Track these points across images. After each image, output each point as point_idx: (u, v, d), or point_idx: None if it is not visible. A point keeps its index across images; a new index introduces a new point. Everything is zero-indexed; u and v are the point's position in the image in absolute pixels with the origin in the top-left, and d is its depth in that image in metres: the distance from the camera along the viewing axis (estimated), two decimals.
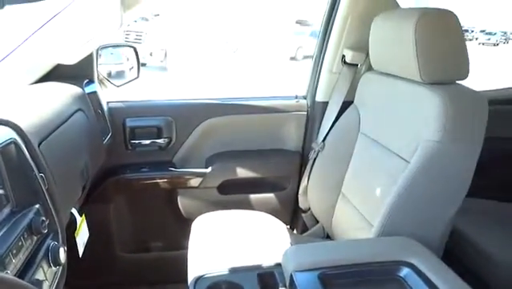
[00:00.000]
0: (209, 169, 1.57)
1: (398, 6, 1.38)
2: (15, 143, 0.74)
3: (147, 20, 10.54)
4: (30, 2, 0.66)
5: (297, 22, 10.91)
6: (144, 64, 8.68)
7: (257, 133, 1.63)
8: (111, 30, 1.21)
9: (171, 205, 1.59)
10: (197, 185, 1.57)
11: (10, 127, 0.76)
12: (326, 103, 1.56)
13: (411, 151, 1.05)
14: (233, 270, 0.93)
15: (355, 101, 1.40)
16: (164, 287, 1.62)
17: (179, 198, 1.58)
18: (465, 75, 1.07)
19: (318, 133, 1.56)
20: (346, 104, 1.45)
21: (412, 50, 1.03)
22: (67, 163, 1.01)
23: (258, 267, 0.94)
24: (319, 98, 1.59)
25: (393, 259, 0.90)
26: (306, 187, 1.55)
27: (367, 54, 1.34)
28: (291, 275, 0.83)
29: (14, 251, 0.63)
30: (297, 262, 0.87)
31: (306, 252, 0.93)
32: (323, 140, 1.50)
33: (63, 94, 1.19)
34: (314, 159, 1.53)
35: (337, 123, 1.47)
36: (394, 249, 0.93)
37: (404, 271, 0.87)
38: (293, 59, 9.33)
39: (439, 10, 1.07)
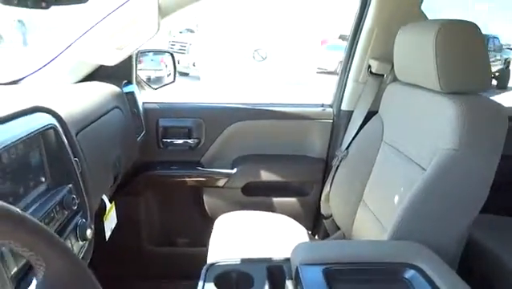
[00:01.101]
0: (235, 170, 1.64)
1: (425, 17, 1.40)
2: (55, 129, 0.84)
3: (192, 32, 10.94)
4: (73, 3, 0.75)
5: (340, 37, 10.95)
6: (186, 74, 8.99)
7: (282, 138, 1.68)
8: (149, 34, 1.31)
9: (197, 203, 1.67)
10: (222, 185, 1.64)
11: (52, 114, 0.86)
12: (351, 112, 1.59)
13: (428, 159, 1.06)
14: (244, 261, 0.98)
15: (379, 111, 1.42)
16: (186, 282, 1.69)
17: (204, 197, 1.66)
18: (486, 86, 1.07)
19: (342, 141, 1.59)
20: (370, 114, 1.47)
21: (433, 60, 1.05)
22: (100, 153, 1.11)
23: (269, 260, 0.98)
24: (345, 107, 1.62)
25: (400, 261, 0.91)
26: (329, 194, 1.58)
27: (393, 65, 1.37)
28: (297, 268, 0.87)
29: (46, 220, 0.72)
30: (303, 257, 0.91)
31: (314, 248, 0.96)
32: (347, 148, 1.53)
33: (103, 92, 1.30)
34: (338, 166, 1.55)
35: (361, 132, 1.49)
36: (402, 252, 0.95)
37: (410, 273, 0.88)
38: (332, 73, 9.41)
39: (461, 21, 1.09)
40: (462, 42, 1.06)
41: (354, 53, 1.56)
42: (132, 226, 1.62)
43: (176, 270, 1.67)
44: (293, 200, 1.69)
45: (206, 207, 1.67)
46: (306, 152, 1.70)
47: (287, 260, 0.96)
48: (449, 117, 1.03)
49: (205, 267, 0.94)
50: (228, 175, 1.64)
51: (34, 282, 0.40)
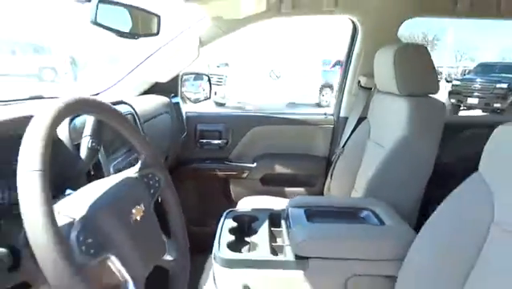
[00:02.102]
0: (255, 165, 2.07)
1: (400, 42, 1.81)
2: (132, 115, 1.32)
3: (227, 65, 11.76)
4: (148, 36, 1.23)
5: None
6: (222, 104, 9.72)
7: (293, 140, 2.10)
8: (191, 59, 1.82)
9: (224, 191, 2.11)
10: (244, 176, 2.08)
11: (130, 106, 1.34)
12: (346, 118, 2.00)
13: (390, 142, 1.46)
14: (254, 210, 1.39)
15: (367, 116, 1.83)
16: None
17: (231, 185, 2.10)
18: (432, 90, 1.47)
19: (340, 142, 2.00)
20: (361, 119, 1.88)
21: (393, 71, 1.46)
22: (156, 142, 1.58)
23: (272, 210, 1.38)
24: (342, 114, 2.04)
25: (361, 207, 1.31)
26: (330, 184, 1.97)
27: None
28: (287, 209, 1.28)
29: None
30: (293, 203, 1.32)
31: (301, 199, 1.36)
32: (343, 147, 1.93)
33: (157, 101, 1.80)
34: (336, 162, 1.95)
35: (354, 133, 1.89)
36: (364, 203, 1.34)
37: (365, 214, 1.28)
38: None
39: (414, 44, 1.50)
40: (413, 59, 1.47)
41: (348, 71, 1.99)
42: None
43: (207, 246, 2.09)
44: (301, 190, 2.09)
45: (232, 194, 2.10)
46: (311, 152, 2.11)
47: (284, 210, 1.37)
48: (404, 112, 1.43)
49: (225, 212, 1.37)
50: (249, 168, 2.08)
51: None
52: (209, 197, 2.14)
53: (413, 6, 1.75)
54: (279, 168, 2.08)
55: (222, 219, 1.32)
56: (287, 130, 2.10)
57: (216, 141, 2.09)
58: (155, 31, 1.22)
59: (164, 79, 1.86)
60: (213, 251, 1.10)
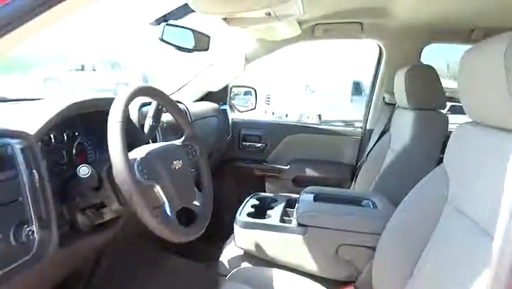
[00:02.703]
0: (288, 167, 2.37)
1: (421, 63, 2.04)
2: (186, 112, 1.70)
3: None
4: (200, 50, 1.60)
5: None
6: None
7: (323, 148, 2.37)
8: (238, 73, 2.19)
9: (261, 188, 2.42)
10: (279, 176, 2.38)
11: (185, 105, 1.73)
12: (372, 130, 2.24)
13: (400, 148, 1.70)
14: (275, 195, 1.69)
15: (390, 129, 2.07)
16: None
17: (266, 184, 2.41)
18: (438, 105, 1.70)
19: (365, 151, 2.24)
20: (384, 132, 2.12)
21: (404, 88, 1.71)
22: (202, 138, 1.95)
23: (290, 196, 1.67)
24: (369, 126, 2.29)
25: (364, 198, 1.56)
26: (354, 188, 2.22)
27: None
28: (301, 194, 1.57)
29: None
30: (308, 190, 1.60)
31: (316, 189, 1.64)
32: (367, 156, 2.18)
33: (208, 106, 2.18)
34: (360, 168, 2.20)
35: (377, 144, 2.13)
36: (368, 195, 1.59)
37: (365, 202, 1.53)
38: None
39: (423, 65, 1.75)
40: (421, 77, 1.71)
41: (374, 89, 2.24)
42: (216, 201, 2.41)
43: None
44: None
45: (266, 191, 2.41)
46: (340, 160, 2.36)
47: (299, 196, 1.65)
48: (411, 122, 1.67)
49: (251, 194, 1.68)
50: (283, 170, 2.38)
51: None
52: (246, 191, 2.46)
53: (432, 33, 1.98)
54: (310, 172, 2.36)
55: (248, 198, 1.64)
56: (319, 139, 2.39)
57: (256, 144, 2.42)
58: (206, 48, 1.60)
59: (215, 88, 2.25)
60: (236, 216, 1.42)
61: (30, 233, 0.75)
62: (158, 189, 0.96)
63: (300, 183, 2.38)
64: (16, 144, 0.78)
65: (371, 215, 1.36)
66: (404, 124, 1.78)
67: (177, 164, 1.04)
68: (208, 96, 2.30)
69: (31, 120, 0.89)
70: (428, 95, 1.70)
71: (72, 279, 1.35)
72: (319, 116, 3.34)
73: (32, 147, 0.81)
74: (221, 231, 1.82)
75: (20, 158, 0.77)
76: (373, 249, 1.24)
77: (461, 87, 0.93)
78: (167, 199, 0.97)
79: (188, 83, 2.24)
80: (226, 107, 2.39)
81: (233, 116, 2.45)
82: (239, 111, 2.55)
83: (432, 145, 1.63)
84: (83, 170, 0.89)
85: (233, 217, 1.46)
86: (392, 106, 2.17)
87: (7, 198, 0.73)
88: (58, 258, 0.90)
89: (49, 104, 0.99)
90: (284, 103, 9.79)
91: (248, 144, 2.43)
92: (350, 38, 2.09)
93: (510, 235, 0.58)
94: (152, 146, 1.03)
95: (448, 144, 1.07)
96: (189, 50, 1.51)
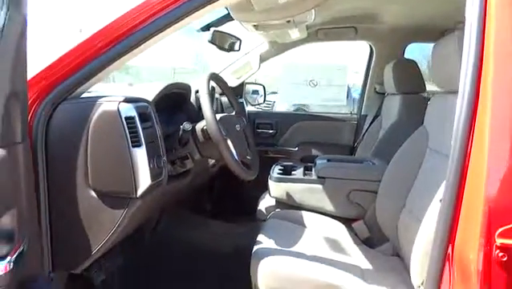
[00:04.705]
0: (296, 149, 2.81)
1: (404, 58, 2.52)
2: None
3: (275, 93, 12.79)
4: (231, 51, 2.04)
5: None
6: None
7: (326, 132, 2.82)
8: (253, 71, 2.64)
9: None
10: (289, 157, 2.82)
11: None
12: (366, 116, 2.70)
13: (389, 125, 2.16)
14: (295, 163, 2.14)
15: (381, 114, 2.53)
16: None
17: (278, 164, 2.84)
18: (419, 89, 2.16)
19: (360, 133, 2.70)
20: (376, 116, 2.58)
21: (392, 76, 2.17)
22: None
23: (308, 164, 2.12)
24: (363, 112, 2.75)
25: (366, 160, 2.01)
26: None
27: None
28: (315, 160, 2.01)
29: None
30: (322, 157, 2.04)
31: (329, 156, 2.08)
32: (362, 136, 2.63)
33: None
34: (357, 147, 2.65)
35: (370, 126, 2.59)
36: (369, 158, 2.04)
37: (366, 162, 1.98)
38: None
39: (407, 59, 2.22)
40: (405, 68, 2.17)
41: (367, 80, 2.71)
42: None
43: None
44: None
45: None
46: (339, 141, 2.81)
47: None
48: (398, 103, 2.14)
49: (275, 164, 2.12)
50: (292, 151, 2.81)
51: None
52: (261, 171, 2.89)
53: (412, 34, 2.46)
54: (315, 152, 2.80)
55: (274, 165, 2.07)
56: (321, 124, 2.84)
57: (268, 131, 2.86)
58: (237, 49, 2.04)
59: (233, 84, 2.68)
60: (270, 174, 1.86)
61: (164, 162, 1.18)
62: (229, 141, 1.39)
63: (307, 161, 2.82)
64: (149, 106, 1.21)
65: (372, 168, 1.81)
66: (393, 107, 2.24)
67: (237, 127, 1.48)
68: None
69: (147, 94, 1.32)
70: (411, 81, 2.17)
71: (142, 229, 1.77)
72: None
73: (153, 109, 1.24)
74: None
75: (152, 114, 1.20)
76: (375, 192, 1.69)
77: (434, 68, 1.36)
78: (235, 150, 1.40)
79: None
80: (243, 99, 2.82)
81: (248, 108, 2.89)
82: (251, 104, 2.99)
83: (415, 120, 2.08)
84: (186, 126, 1.32)
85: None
86: (381, 95, 2.63)
87: (150, 140, 1.16)
88: (160, 192, 1.29)
89: (153, 86, 1.43)
90: (291, 95, 10.50)
91: (261, 131, 2.87)
92: (346, 40, 2.57)
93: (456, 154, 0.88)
94: (221, 114, 1.47)
95: (426, 110, 1.47)
96: (228, 50, 1.95)
